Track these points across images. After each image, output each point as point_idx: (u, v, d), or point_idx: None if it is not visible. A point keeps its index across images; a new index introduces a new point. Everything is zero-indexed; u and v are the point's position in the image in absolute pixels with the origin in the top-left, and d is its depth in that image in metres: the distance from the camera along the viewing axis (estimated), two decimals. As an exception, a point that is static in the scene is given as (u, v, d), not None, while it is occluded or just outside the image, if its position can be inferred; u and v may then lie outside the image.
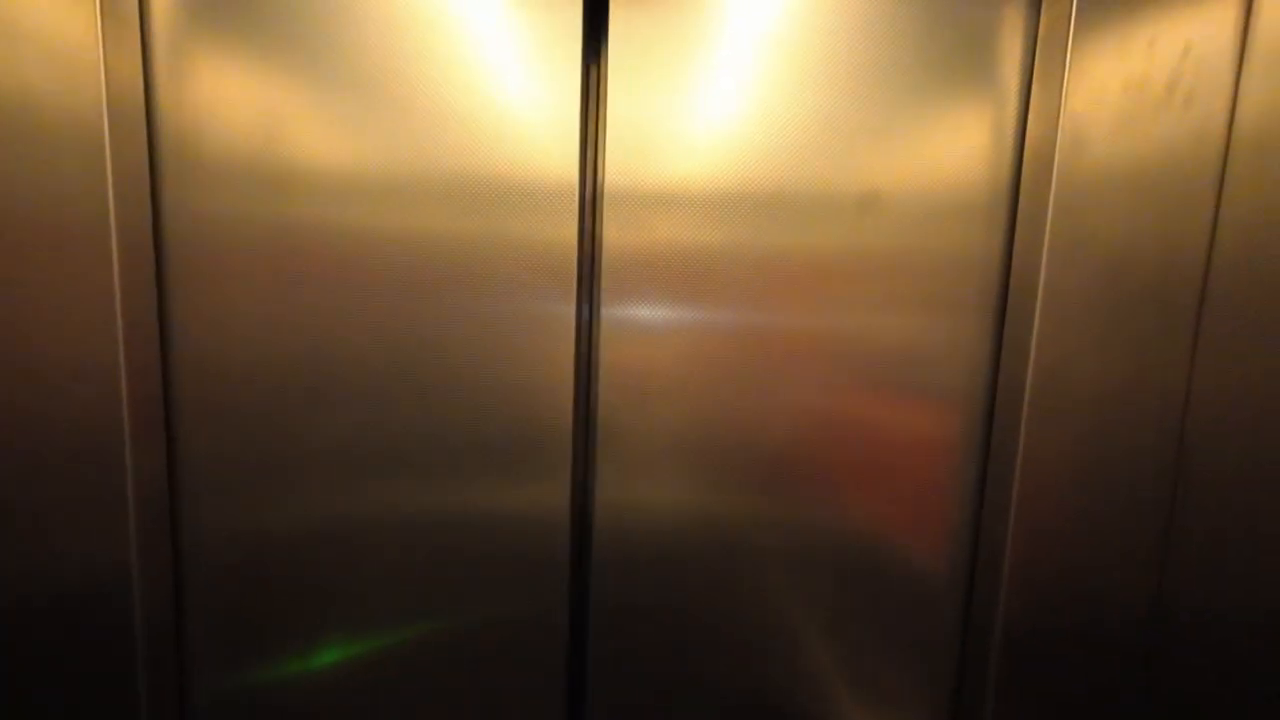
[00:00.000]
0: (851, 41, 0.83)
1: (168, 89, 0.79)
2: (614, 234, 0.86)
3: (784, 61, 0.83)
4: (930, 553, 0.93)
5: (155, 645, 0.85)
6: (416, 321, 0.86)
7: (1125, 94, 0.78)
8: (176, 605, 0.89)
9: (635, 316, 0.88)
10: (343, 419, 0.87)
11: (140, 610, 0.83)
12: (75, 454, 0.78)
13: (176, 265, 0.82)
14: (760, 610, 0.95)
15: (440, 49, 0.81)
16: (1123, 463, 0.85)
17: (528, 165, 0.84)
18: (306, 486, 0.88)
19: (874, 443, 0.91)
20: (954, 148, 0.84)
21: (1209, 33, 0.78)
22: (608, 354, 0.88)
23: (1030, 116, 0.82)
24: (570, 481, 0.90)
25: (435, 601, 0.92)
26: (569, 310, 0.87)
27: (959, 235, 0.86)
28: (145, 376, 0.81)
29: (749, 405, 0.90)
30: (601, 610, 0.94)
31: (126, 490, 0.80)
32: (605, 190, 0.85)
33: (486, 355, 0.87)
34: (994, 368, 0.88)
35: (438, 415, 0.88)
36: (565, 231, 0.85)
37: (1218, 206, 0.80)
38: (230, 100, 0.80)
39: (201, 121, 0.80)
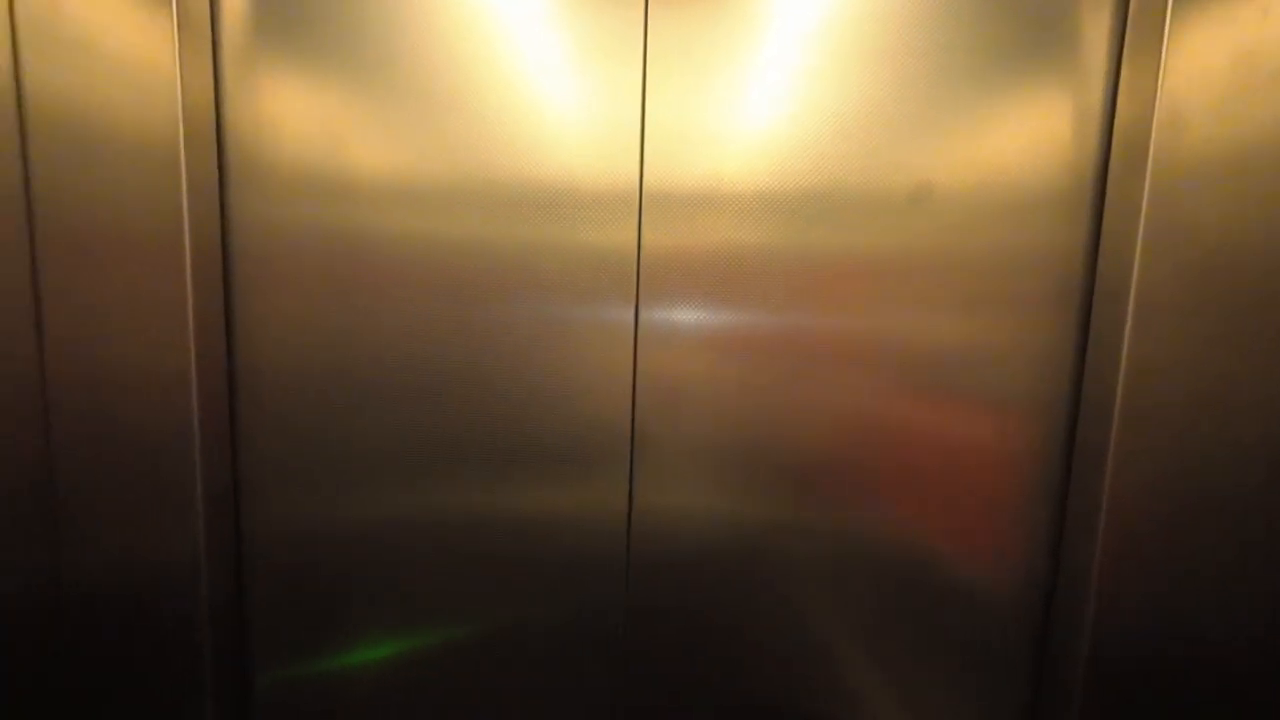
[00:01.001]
0: (907, 22, 0.78)
1: (237, 102, 0.82)
2: (654, 237, 0.84)
3: (831, 47, 0.79)
4: (1000, 570, 0.87)
5: (220, 633, 0.89)
6: (475, 325, 0.86)
7: (1233, 69, 0.70)
8: (239, 596, 0.92)
9: (679, 320, 0.86)
10: (402, 419, 0.88)
11: (206, 600, 0.86)
12: (149, 451, 0.81)
13: (243, 271, 0.85)
14: (808, 625, 0.91)
15: (499, 58, 0.81)
16: (1225, 472, 0.77)
17: (582, 170, 0.83)
18: (365, 484, 0.90)
19: (934, 451, 0.86)
20: (1028, 134, 0.79)
21: (1334, -4, 0.69)
22: (651, 358, 0.87)
23: (1120, 97, 0.76)
24: (628, 484, 0.89)
25: (488, 599, 0.93)
26: (627, 314, 0.85)
27: (1033, 229, 0.80)
28: (213, 377, 0.84)
29: (801, 412, 0.86)
30: (635, 613, 0.92)
31: (195, 485, 0.83)
32: (645, 192, 0.83)
33: (544, 359, 0.87)
34: (1076, 370, 0.82)
35: (496, 417, 0.88)
36: (622, 235, 0.84)
37: (1345, 191, 0.71)
38: (296, 112, 0.82)
39: (269, 133, 0.83)
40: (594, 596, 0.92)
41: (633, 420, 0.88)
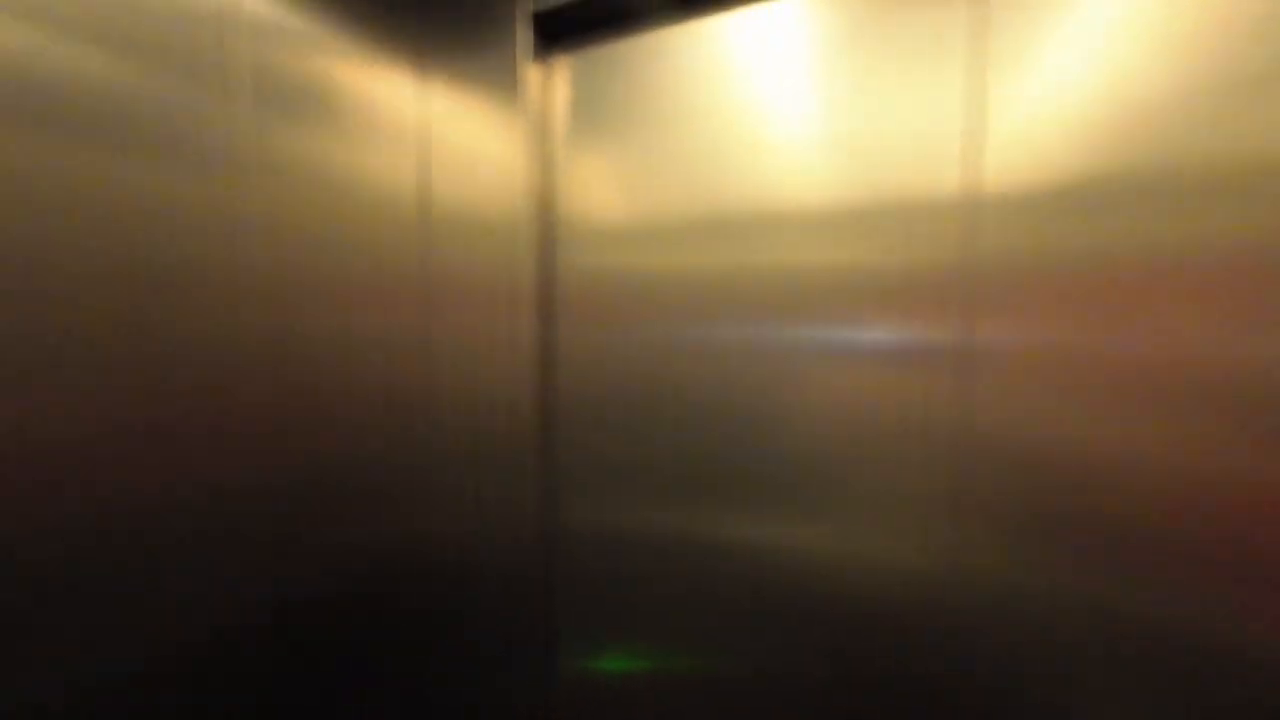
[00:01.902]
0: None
1: (561, 174, 0.99)
2: (986, 250, 0.74)
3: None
4: None
5: (537, 615, 1.04)
6: (767, 351, 0.87)
7: None
8: (550, 587, 1.07)
9: (1008, 346, 0.74)
10: (693, 442, 0.93)
11: (530, 585, 1.01)
12: (499, 456, 1.01)
13: (563, 310, 1.01)
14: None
15: (797, 92, 0.83)
16: None
17: (901, 183, 0.79)
18: (657, 501, 0.97)
19: None
20: None
21: None
22: (975, 390, 0.76)
23: None
24: (941, 534, 0.80)
25: (773, 635, 0.91)
26: (948, 338, 0.78)
27: None
28: (542, 397, 1.00)
29: (1187, 463, 0.65)
30: (934, 675, 0.80)
31: (528, 487, 0.99)
32: (976, 200, 0.74)
33: (850, 389, 0.83)
34: None
35: (791, 448, 0.87)
36: (945, 251, 0.77)
37: None
38: (603, 175, 0.95)
39: (582, 195, 0.98)
40: (894, 648, 0.83)
41: (954, 462, 0.78)
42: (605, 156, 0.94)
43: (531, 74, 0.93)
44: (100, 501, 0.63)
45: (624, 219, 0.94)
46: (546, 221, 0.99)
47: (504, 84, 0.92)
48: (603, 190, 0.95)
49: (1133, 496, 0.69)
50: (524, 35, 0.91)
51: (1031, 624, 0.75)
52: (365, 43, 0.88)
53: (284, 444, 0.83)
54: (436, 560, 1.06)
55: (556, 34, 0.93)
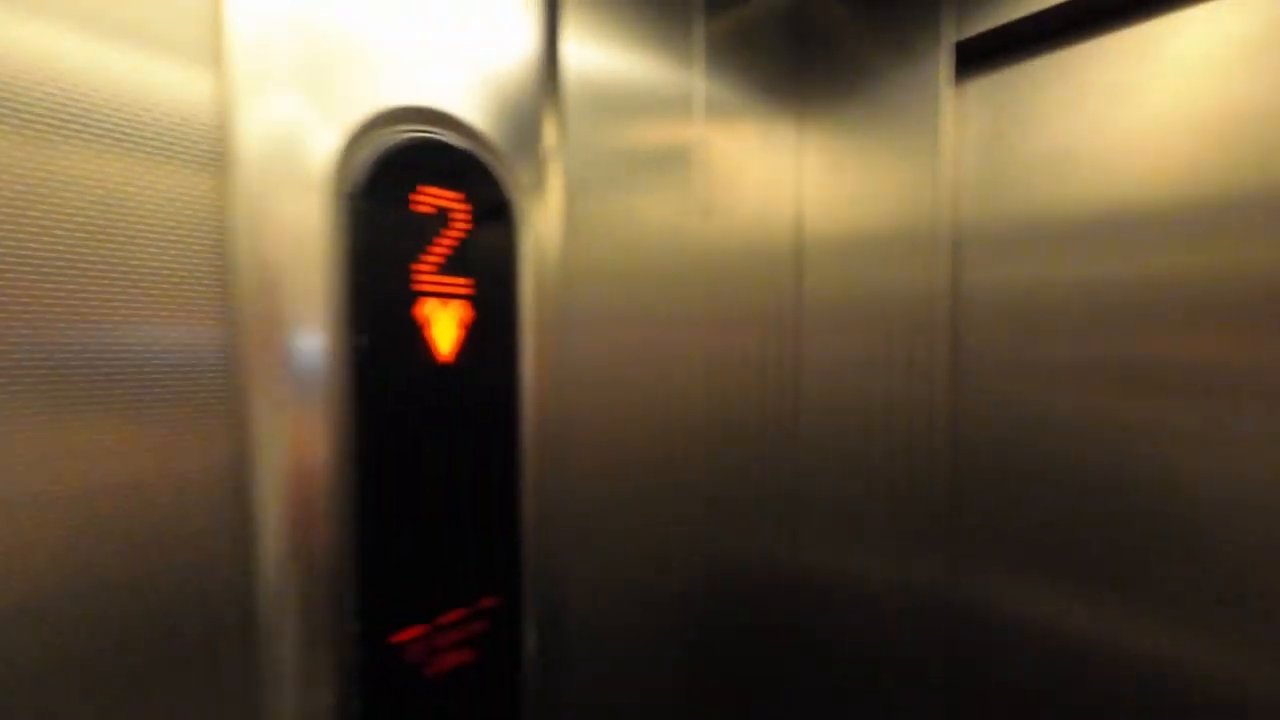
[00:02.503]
0: None
1: (966, 196, 0.96)
2: None
3: None
4: None
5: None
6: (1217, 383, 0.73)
7: None
8: (950, 687, 0.95)
9: None
10: (1145, 510, 0.79)
11: (929, 679, 0.94)
12: (894, 479, 1.00)
13: (967, 326, 0.95)
14: None
15: None
16: None
17: None
18: (1099, 590, 0.83)
19: None
20: None
21: None
22: None
23: None
24: None
25: None
26: None
27: None
28: (948, 413, 0.96)
29: None
30: None
31: (927, 547, 0.94)
32: None
33: None
34: None
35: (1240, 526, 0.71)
36: None
37: None
38: (1018, 194, 0.91)
39: (981, 209, 0.95)
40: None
41: None
42: (1019, 172, 0.90)
43: (947, 100, 0.94)
44: (629, 480, 0.88)
45: (1045, 229, 0.88)
46: (957, 242, 0.97)
47: (920, 113, 0.95)
48: (1020, 204, 0.91)
49: None
50: (945, 64, 0.92)
51: None
52: (758, 104, 1.03)
53: (714, 448, 0.98)
54: (822, 596, 1.07)
55: (973, 59, 0.93)
